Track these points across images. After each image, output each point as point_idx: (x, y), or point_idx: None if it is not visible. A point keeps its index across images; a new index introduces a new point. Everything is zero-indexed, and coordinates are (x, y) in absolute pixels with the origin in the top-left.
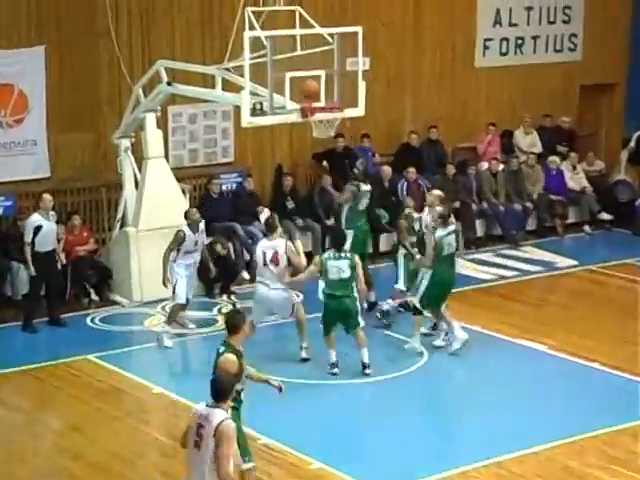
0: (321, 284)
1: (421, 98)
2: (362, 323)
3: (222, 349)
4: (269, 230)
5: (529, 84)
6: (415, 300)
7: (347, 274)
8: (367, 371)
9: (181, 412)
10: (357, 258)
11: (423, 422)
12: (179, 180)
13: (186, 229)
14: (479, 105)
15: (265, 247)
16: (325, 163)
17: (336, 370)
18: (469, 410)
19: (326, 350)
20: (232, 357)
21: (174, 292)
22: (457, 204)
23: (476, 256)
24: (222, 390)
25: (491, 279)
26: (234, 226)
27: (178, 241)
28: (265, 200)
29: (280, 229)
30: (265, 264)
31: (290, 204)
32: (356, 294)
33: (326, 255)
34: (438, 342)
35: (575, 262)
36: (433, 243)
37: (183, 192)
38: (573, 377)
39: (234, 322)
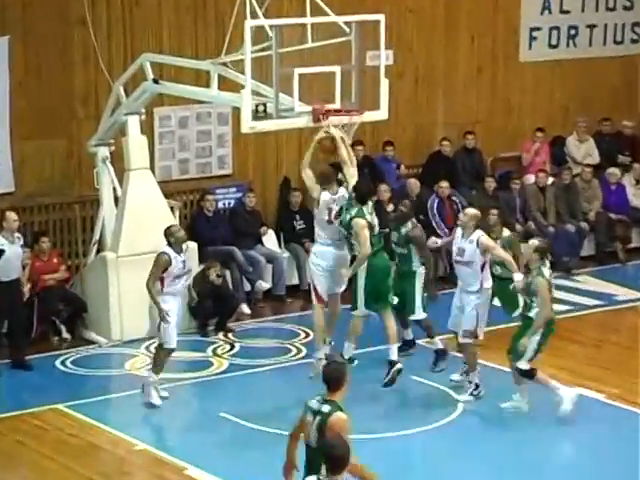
0: None
1: (455, 99)
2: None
3: (326, 408)
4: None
5: (584, 82)
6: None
7: None
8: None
9: (167, 473)
10: None
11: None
12: (167, 196)
13: (168, 250)
14: (524, 107)
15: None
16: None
17: None
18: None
19: None
20: (345, 416)
21: (159, 330)
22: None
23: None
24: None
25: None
26: (232, 250)
27: (162, 266)
28: (269, 219)
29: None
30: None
31: (299, 224)
32: None
33: None
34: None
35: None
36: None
37: (172, 210)
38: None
39: (337, 375)
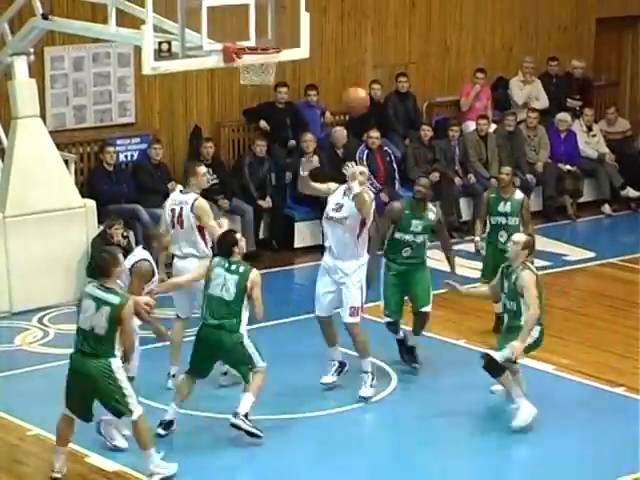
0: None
1: (386, 36)
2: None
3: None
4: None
5: (529, 17)
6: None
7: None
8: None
9: (67, 461)
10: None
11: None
12: (61, 148)
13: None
14: (463, 46)
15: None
16: (263, 123)
17: None
18: (463, 447)
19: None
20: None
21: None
22: (435, 177)
23: (461, 247)
24: None
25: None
26: (136, 209)
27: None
28: (177, 174)
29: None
30: None
31: (211, 178)
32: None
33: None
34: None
35: (591, 254)
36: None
37: (66, 164)
38: (588, 407)
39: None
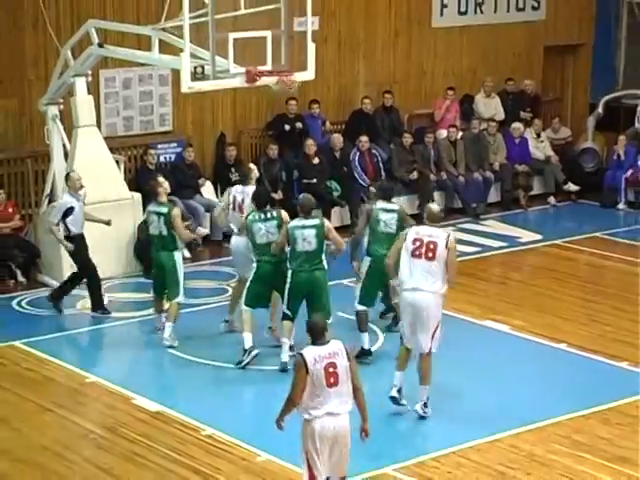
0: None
1: (375, 61)
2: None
3: None
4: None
5: (490, 45)
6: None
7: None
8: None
9: (117, 402)
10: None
11: (375, 407)
12: (112, 151)
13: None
14: (437, 68)
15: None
16: (287, 126)
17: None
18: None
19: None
20: None
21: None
22: (414, 175)
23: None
24: None
25: None
26: (174, 200)
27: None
28: (207, 172)
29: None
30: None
31: (234, 176)
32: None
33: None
34: None
35: (540, 236)
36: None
37: (117, 164)
38: (538, 359)
39: None
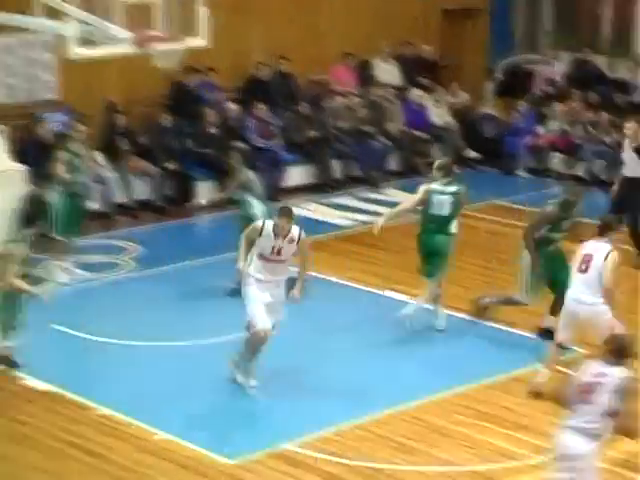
0: None
1: (269, 26)
2: None
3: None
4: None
5: (387, 9)
6: None
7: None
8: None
9: (3, 383)
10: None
11: (273, 384)
12: None
13: None
14: (333, 33)
15: None
16: (180, 95)
17: None
18: (325, 367)
19: None
20: None
21: None
22: (312, 141)
23: (333, 200)
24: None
25: (350, 225)
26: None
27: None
28: (95, 141)
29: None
30: None
31: (124, 145)
32: None
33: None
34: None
35: None
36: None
37: (1, 134)
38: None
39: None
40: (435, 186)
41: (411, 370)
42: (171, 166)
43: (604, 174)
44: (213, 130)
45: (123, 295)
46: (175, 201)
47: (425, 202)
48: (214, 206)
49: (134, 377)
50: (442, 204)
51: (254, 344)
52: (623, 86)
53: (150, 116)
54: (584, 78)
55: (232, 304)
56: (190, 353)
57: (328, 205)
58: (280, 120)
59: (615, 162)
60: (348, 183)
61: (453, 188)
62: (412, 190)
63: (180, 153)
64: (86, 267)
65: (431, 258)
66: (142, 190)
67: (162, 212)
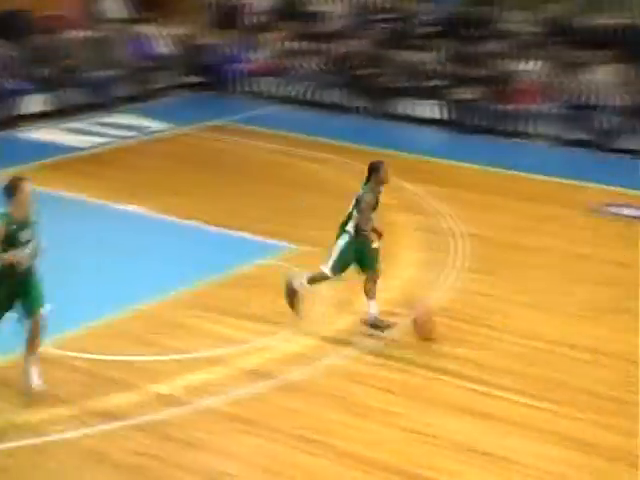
0: None
1: None
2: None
3: None
4: None
5: None
6: None
7: None
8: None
9: None
10: None
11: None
12: None
13: None
14: None
15: None
16: None
17: None
18: (59, 277)
19: None
20: None
21: None
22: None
23: (73, 124)
24: None
25: (88, 147)
26: None
27: None
28: None
29: None
30: None
31: None
32: None
33: None
34: None
35: (169, 125)
36: None
37: None
38: (172, 235)
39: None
40: None
41: (147, 272)
42: None
43: (310, 95)
44: None
45: None
46: None
47: None
48: None
49: None
50: None
51: None
52: (317, 17)
53: None
54: (287, 11)
55: None
56: None
57: (69, 130)
58: (12, 52)
59: (321, 85)
60: (86, 109)
61: None
62: (142, 113)
63: None
64: None
65: None
66: None
67: None
